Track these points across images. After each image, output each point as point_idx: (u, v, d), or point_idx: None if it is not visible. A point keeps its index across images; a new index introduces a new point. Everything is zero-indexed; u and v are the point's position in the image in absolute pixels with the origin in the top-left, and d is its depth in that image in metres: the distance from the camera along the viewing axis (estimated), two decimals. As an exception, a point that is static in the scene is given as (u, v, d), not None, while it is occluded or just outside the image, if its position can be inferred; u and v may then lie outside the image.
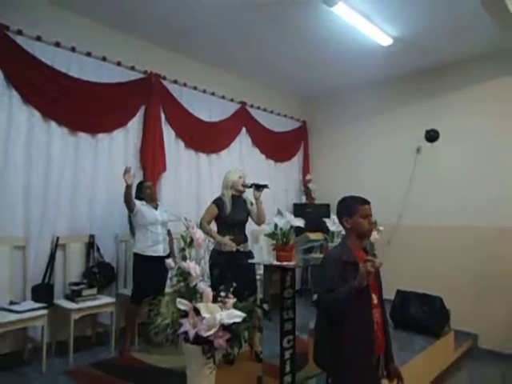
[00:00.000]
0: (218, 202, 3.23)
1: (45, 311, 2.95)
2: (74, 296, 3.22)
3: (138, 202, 3.42)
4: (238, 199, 3.28)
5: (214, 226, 3.26)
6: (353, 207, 1.87)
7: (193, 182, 4.55)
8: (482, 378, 3.51)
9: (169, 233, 3.64)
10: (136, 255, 3.44)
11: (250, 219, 3.34)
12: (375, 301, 1.82)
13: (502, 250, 4.08)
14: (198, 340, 1.82)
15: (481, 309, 4.13)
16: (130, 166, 3.31)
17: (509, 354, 3.91)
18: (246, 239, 3.28)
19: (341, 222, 1.93)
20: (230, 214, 3.18)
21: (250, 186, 3.22)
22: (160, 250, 3.46)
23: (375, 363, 1.78)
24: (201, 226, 3.07)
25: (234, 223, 3.19)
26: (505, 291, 4.04)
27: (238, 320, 1.85)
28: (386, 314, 1.93)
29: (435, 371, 3.46)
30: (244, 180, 3.28)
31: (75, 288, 3.27)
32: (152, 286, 3.35)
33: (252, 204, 3.32)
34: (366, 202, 1.88)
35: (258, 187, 3.19)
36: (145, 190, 3.52)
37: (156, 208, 3.54)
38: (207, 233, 3.06)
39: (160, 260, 3.42)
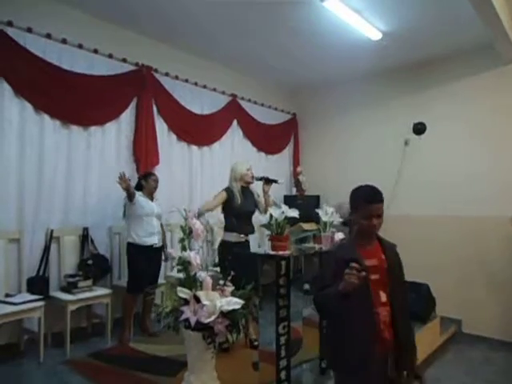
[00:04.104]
0: (229, 191, 3.26)
1: (41, 303, 2.99)
2: (70, 288, 3.26)
3: (136, 193, 3.47)
4: (246, 190, 3.33)
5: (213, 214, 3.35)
6: (357, 203, 1.66)
7: (185, 174, 4.58)
8: (466, 360, 3.68)
9: (161, 226, 3.70)
10: (131, 245, 3.49)
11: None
12: (383, 298, 1.62)
13: (484, 239, 4.24)
14: (199, 326, 1.89)
15: (464, 295, 4.31)
16: (124, 171, 3.33)
17: (489, 338, 4.10)
18: (253, 229, 3.34)
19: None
20: (242, 205, 3.23)
21: (261, 179, 3.28)
22: (155, 240, 3.53)
23: (382, 364, 1.62)
24: (202, 208, 3.14)
25: (244, 214, 3.25)
26: (486, 279, 4.22)
27: (237, 307, 1.92)
28: (398, 312, 1.64)
29: (422, 355, 3.59)
30: (252, 172, 3.33)
31: (71, 280, 3.30)
32: (148, 276, 3.43)
33: (258, 195, 3.39)
34: (374, 200, 1.63)
35: (268, 181, 3.26)
36: (151, 183, 3.60)
37: (152, 200, 3.59)
38: (202, 212, 3.13)
39: (155, 250, 3.50)
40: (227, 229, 3.24)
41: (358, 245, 1.67)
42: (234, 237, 3.18)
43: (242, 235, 3.18)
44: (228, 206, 3.24)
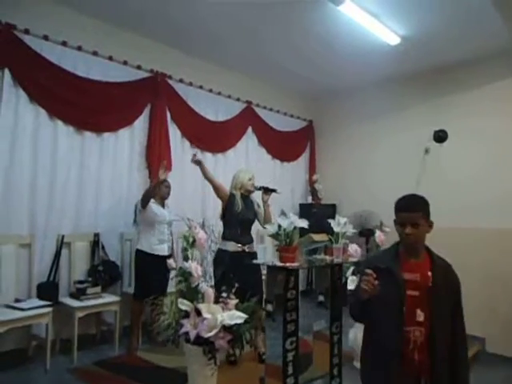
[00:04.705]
0: (231, 195, 3.23)
1: (49, 309, 2.97)
2: (78, 294, 3.24)
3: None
4: (246, 199, 3.28)
5: (220, 224, 3.27)
6: (395, 211, 1.67)
7: (198, 181, 4.50)
8: (489, 381, 3.45)
9: (170, 233, 3.65)
10: (140, 252, 3.45)
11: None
12: (420, 318, 1.54)
13: (509, 253, 4.01)
14: (199, 341, 1.81)
15: (488, 313, 4.07)
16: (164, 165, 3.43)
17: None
18: (251, 240, 3.27)
19: None
20: (241, 212, 3.17)
21: (259, 189, 3.22)
22: (165, 249, 3.48)
23: None
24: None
25: (243, 221, 3.19)
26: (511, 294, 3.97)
27: (239, 321, 1.84)
28: (439, 336, 1.55)
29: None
30: (254, 181, 3.27)
31: (80, 286, 3.28)
32: (155, 285, 3.35)
33: (259, 206, 3.32)
34: (403, 208, 1.64)
35: (267, 191, 3.19)
36: (163, 189, 3.57)
37: (163, 207, 3.55)
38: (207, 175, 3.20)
39: (164, 259, 3.45)
40: (225, 237, 3.17)
41: (402, 256, 1.63)
42: (231, 246, 3.10)
43: (240, 245, 3.10)
44: (228, 212, 3.18)
